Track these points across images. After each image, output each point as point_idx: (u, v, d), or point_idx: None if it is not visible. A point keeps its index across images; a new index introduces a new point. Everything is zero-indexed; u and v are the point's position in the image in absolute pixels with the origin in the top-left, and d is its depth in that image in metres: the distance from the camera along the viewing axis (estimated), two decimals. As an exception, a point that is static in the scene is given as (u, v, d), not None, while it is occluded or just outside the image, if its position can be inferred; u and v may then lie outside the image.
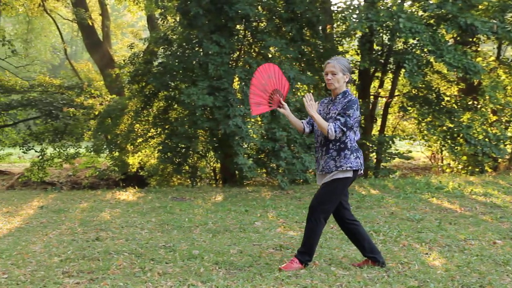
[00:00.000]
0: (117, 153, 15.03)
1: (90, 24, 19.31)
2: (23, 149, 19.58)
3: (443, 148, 15.35)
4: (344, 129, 4.73)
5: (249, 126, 11.30)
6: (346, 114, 4.74)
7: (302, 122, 5.06)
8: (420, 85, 14.08)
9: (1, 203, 9.72)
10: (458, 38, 13.48)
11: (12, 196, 11.04)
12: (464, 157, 13.95)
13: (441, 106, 14.06)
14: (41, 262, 5.22)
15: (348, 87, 5.03)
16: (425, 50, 11.92)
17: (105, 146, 15.81)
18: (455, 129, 13.41)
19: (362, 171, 4.92)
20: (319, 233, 4.85)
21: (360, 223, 5.07)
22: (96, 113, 16.41)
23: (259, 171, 12.05)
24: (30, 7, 20.19)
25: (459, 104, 14.32)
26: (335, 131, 4.71)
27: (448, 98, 14.71)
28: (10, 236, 6.67)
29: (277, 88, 5.00)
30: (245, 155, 11.68)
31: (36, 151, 19.29)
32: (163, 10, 13.54)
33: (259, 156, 12.27)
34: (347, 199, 5.04)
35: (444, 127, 13.75)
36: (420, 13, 12.89)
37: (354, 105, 4.80)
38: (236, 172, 12.56)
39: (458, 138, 13.55)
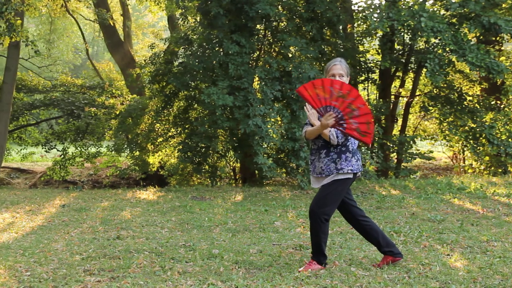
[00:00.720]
0: (137, 153, 15.13)
1: (112, 24, 19.46)
2: (45, 148, 19.84)
3: (465, 149, 15.21)
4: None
5: (269, 126, 11.29)
6: None
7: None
8: (442, 85, 13.95)
9: (24, 201, 9.84)
10: (481, 37, 13.32)
11: (34, 194, 11.17)
12: (487, 158, 13.79)
13: (463, 106, 13.91)
14: (63, 260, 5.27)
15: None
16: (447, 49, 11.79)
17: (125, 146, 15.93)
18: (478, 129, 13.26)
19: (360, 174, 4.88)
20: (325, 234, 4.79)
21: (371, 219, 5.03)
22: (117, 112, 16.54)
23: (278, 171, 12.04)
24: (53, 8, 20.41)
25: (481, 103, 14.16)
26: (337, 137, 4.66)
27: (471, 98, 14.56)
28: (33, 234, 6.75)
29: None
30: (264, 155, 11.68)
31: (58, 150, 19.53)
32: (183, 10, 13.59)
33: (279, 156, 12.26)
34: (351, 197, 4.98)
35: (466, 127, 13.61)
36: (442, 12, 12.77)
37: None
38: (256, 171, 12.57)
39: (481, 138, 13.39)
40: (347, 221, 5.06)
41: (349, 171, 4.71)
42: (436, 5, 13.27)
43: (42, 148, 20.11)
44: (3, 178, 19.33)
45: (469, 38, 12.33)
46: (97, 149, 19.22)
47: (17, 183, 19.43)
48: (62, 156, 18.79)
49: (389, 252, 4.92)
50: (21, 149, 20.99)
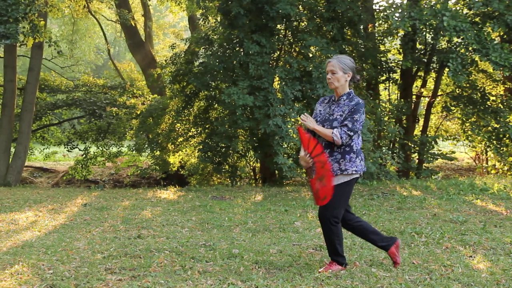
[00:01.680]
0: (158, 152, 15.22)
1: (133, 25, 19.60)
2: (67, 148, 20.06)
3: (488, 149, 15.05)
4: (351, 134, 4.57)
5: (289, 126, 11.28)
6: (354, 118, 4.58)
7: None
8: (465, 85, 13.81)
9: (46, 200, 9.95)
10: (505, 36, 13.15)
11: (57, 193, 11.29)
12: (510, 158, 13.62)
13: (486, 106, 13.75)
14: (84, 259, 5.32)
15: (351, 88, 4.81)
16: (470, 48, 11.66)
17: (146, 145, 16.04)
18: (501, 130, 13.09)
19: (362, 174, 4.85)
20: (338, 236, 4.73)
21: (362, 220, 4.97)
22: (138, 112, 16.67)
23: (298, 171, 12.02)
24: (75, 8, 20.63)
25: (505, 103, 13.98)
26: (341, 137, 4.56)
27: (494, 98, 14.39)
28: (55, 233, 6.82)
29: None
30: (285, 155, 11.67)
31: (80, 150, 19.73)
32: (204, 11, 13.64)
33: (299, 156, 12.22)
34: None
35: (489, 128, 13.45)
36: (465, 11, 12.63)
37: (361, 109, 4.64)
38: (276, 171, 12.56)
39: (504, 138, 13.23)
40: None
41: (354, 172, 4.65)
42: (459, 4, 13.14)
43: (65, 148, 20.34)
44: (27, 177, 19.58)
45: (493, 37, 12.18)
46: (118, 148, 19.38)
47: (40, 182, 19.67)
48: (84, 155, 18.98)
49: (385, 247, 4.86)
50: (44, 149, 21.25)
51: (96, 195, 10.79)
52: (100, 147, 19.27)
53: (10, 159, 14.76)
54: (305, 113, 4.81)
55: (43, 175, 21.22)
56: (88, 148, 19.16)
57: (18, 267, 4.95)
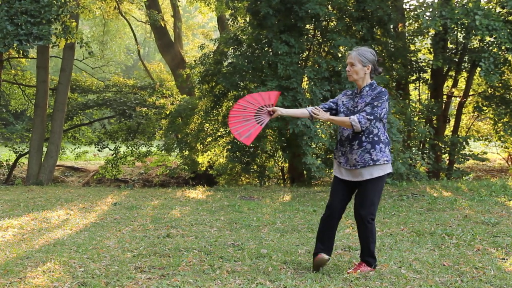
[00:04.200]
0: (187, 152, 15.31)
1: (163, 25, 19.77)
2: (98, 147, 20.31)
3: (521, 150, 14.75)
4: (371, 117, 4.51)
5: (317, 126, 11.24)
6: (374, 104, 4.54)
7: (308, 110, 4.75)
8: (497, 84, 13.59)
9: (77, 199, 10.09)
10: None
11: (87, 192, 11.44)
12: (543, 159, 13.34)
13: (519, 106, 13.52)
14: (114, 257, 5.38)
15: (373, 79, 4.73)
16: (503, 48, 11.47)
17: (175, 145, 16.14)
18: (534, 130, 12.85)
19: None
20: (373, 234, 4.70)
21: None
22: (167, 112, 16.79)
23: (327, 171, 11.97)
24: (106, 10, 20.92)
25: (538, 104, 13.72)
26: (360, 122, 4.50)
27: (527, 98, 14.12)
28: (86, 231, 6.91)
29: (260, 106, 4.88)
30: (313, 155, 11.63)
31: (110, 149, 19.97)
32: (233, 11, 13.68)
33: (328, 156, 12.18)
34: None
35: (523, 128, 13.21)
36: (498, 9, 12.43)
37: (384, 96, 4.58)
38: (304, 172, 12.52)
39: (537, 139, 12.98)
40: (337, 216, 4.84)
41: (386, 162, 4.61)
42: (492, 3, 12.92)
43: (95, 147, 20.60)
44: (58, 176, 19.91)
45: (526, 36, 11.96)
46: (148, 148, 19.56)
47: (71, 181, 19.98)
48: (114, 155, 19.21)
49: (315, 252, 4.79)
50: (75, 148, 21.57)
51: (126, 194, 10.90)
52: (129, 147, 19.47)
53: (43, 158, 15.02)
54: (317, 106, 4.76)
55: (74, 174, 21.55)
56: (118, 147, 19.38)
57: (50, 265, 5.03)
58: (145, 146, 19.63)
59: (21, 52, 12.02)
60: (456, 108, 15.31)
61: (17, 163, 18.67)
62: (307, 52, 12.96)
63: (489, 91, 14.26)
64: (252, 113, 4.85)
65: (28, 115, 22.27)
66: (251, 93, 4.98)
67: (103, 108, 20.04)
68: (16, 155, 18.57)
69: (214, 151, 15.62)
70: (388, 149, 4.65)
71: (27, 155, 16.02)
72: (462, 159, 13.96)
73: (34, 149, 14.82)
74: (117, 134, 19.77)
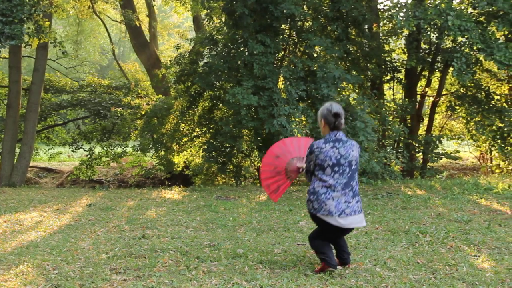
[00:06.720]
0: (163, 152, 15.24)
1: (138, 25, 19.64)
2: (72, 148, 20.09)
3: (492, 148, 15.01)
4: (304, 170, 5.00)
5: (293, 126, 11.28)
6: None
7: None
8: (469, 84, 13.79)
9: (51, 200, 9.97)
10: (509, 35, 13.10)
11: (61, 194, 11.32)
12: (515, 158, 13.58)
13: (491, 105, 13.73)
14: (89, 259, 5.33)
15: (335, 130, 4.80)
16: (475, 48, 11.64)
17: (151, 145, 16.06)
18: (506, 129, 13.07)
19: None
20: (315, 247, 4.82)
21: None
22: (143, 112, 16.69)
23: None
24: (80, 9, 20.69)
25: (509, 103, 13.96)
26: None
27: (498, 97, 14.35)
28: (60, 233, 6.84)
29: (292, 158, 5.19)
30: (289, 155, 11.64)
31: (84, 150, 19.78)
32: (209, 11, 13.65)
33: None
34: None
35: (494, 127, 13.42)
36: (470, 10, 12.61)
37: (307, 151, 4.87)
38: (280, 171, 12.52)
39: (509, 138, 13.20)
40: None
41: (310, 210, 4.84)
42: (464, 4, 13.10)
43: (69, 148, 20.38)
44: (31, 178, 19.64)
45: (497, 37, 12.15)
46: (123, 149, 19.41)
47: (45, 183, 19.73)
48: (89, 155, 19.02)
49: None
50: (48, 149, 21.32)
51: (101, 195, 10.81)
52: (104, 148, 19.30)
53: (15, 159, 14.81)
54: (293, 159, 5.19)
55: (48, 175, 21.28)
56: (93, 148, 19.20)
57: (23, 267, 4.97)
58: (120, 147, 19.47)
59: (-7, 51, 11.83)
60: (429, 108, 15.49)
61: (-11, 165, 18.36)
62: (282, 52, 12.99)
63: (462, 91, 14.46)
64: (283, 164, 5.16)
65: (0, 115, 21.93)
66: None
67: (78, 109, 19.82)
68: (-12, 157, 18.26)
69: (190, 151, 15.57)
70: (313, 198, 4.73)
71: None
72: (436, 158, 14.14)
73: (6, 150, 14.59)
74: (91, 135, 19.59)
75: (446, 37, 12.23)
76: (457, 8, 12.12)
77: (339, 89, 12.02)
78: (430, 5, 12.14)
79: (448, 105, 15.02)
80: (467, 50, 11.87)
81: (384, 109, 13.32)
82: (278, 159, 5.18)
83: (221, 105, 13.62)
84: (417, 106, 14.68)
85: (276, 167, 5.17)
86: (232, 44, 12.69)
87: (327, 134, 4.82)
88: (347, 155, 4.70)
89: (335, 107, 4.80)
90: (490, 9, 11.93)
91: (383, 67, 14.37)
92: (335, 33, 12.72)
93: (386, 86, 15.50)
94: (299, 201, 9.38)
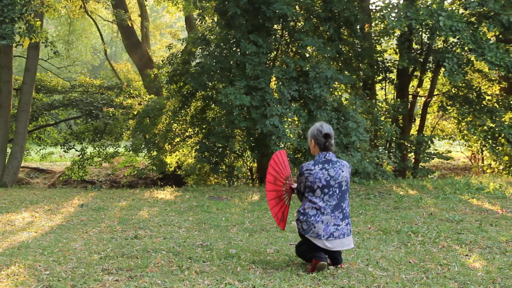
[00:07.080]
0: (155, 153, 15.20)
1: (130, 25, 19.59)
2: (64, 148, 20.03)
3: (483, 148, 15.09)
4: (296, 192, 5.11)
5: (286, 126, 11.29)
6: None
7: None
8: (460, 84, 13.85)
9: (43, 201, 9.93)
10: (500, 36, 13.19)
11: (53, 194, 11.27)
12: (506, 158, 13.66)
13: (482, 105, 13.79)
14: (81, 259, 5.31)
15: (326, 151, 4.88)
16: (466, 48, 11.70)
17: (143, 146, 16.02)
18: (497, 129, 13.14)
19: None
20: (303, 256, 4.92)
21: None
22: (135, 112, 16.65)
23: (295, 171, 12.03)
24: (71, 9, 20.62)
25: (500, 103, 14.03)
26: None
27: (489, 97, 14.43)
28: (51, 234, 6.81)
29: (285, 177, 5.31)
30: (282, 155, 11.65)
31: (76, 150, 19.72)
32: (201, 11, 13.63)
33: (296, 156, 12.25)
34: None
35: (485, 127, 13.49)
36: (461, 11, 12.67)
37: (298, 172, 4.98)
38: (273, 171, 12.52)
39: (500, 138, 13.27)
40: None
41: (299, 230, 4.95)
42: (455, 4, 13.16)
43: (61, 148, 20.31)
44: (23, 178, 19.54)
45: (488, 37, 12.23)
46: (115, 149, 19.36)
47: (36, 183, 19.64)
48: (81, 156, 18.96)
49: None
50: (40, 149, 21.22)
51: (93, 195, 10.78)
52: (96, 148, 19.24)
53: (6, 159, 14.73)
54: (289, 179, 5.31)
55: (39, 175, 21.18)
56: (85, 148, 19.14)
57: (14, 268, 4.94)
58: (113, 147, 19.42)
59: (-16, 51, 11.77)
60: (421, 108, 15.54)
61: (-20, 165, 18.25)
62: (275, 52, 13.00)
63: (453, 91, 14.52)
64: (281, 187, 5.27)
65: (-9, 116, 21.80)
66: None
67: (69, 109, 19.75)
68: (-21, 157, 18.15)
69: (183, 151, 15.54)
70: (303, 219, 4.84)
71: (-9, 156, 15.69)
72: (428, 158, 14.20)
73: (-3, 151, 14.53)
74: (83, 135, 19.52)
75: (437, 37, 12.28)
76: (449, 9, 12.17)
77: (331, 89, 12.05)
78: (422, 6, 12.19)
79: (439, 105, 15.08)
80: (458, 50, 11.93)
81: (376, 109, 13.36)
82: (276, 183, 5.27)
83: (213, 105, 13.61)
84: (409, 106, 14.73)
85: (278, 192, 5.26)
86: (225, 44, 12.69)
87: (317, 155, 4.89)
88: (337, 176, 4.77)
89: (325, 127, 4.87)
90: (481, 9, 12.00)
91: (375, 67, 14.42)
92: (327, 33, 12.74)
93: (378, 86, 15.55)
94: (292, 201, 9.36)
